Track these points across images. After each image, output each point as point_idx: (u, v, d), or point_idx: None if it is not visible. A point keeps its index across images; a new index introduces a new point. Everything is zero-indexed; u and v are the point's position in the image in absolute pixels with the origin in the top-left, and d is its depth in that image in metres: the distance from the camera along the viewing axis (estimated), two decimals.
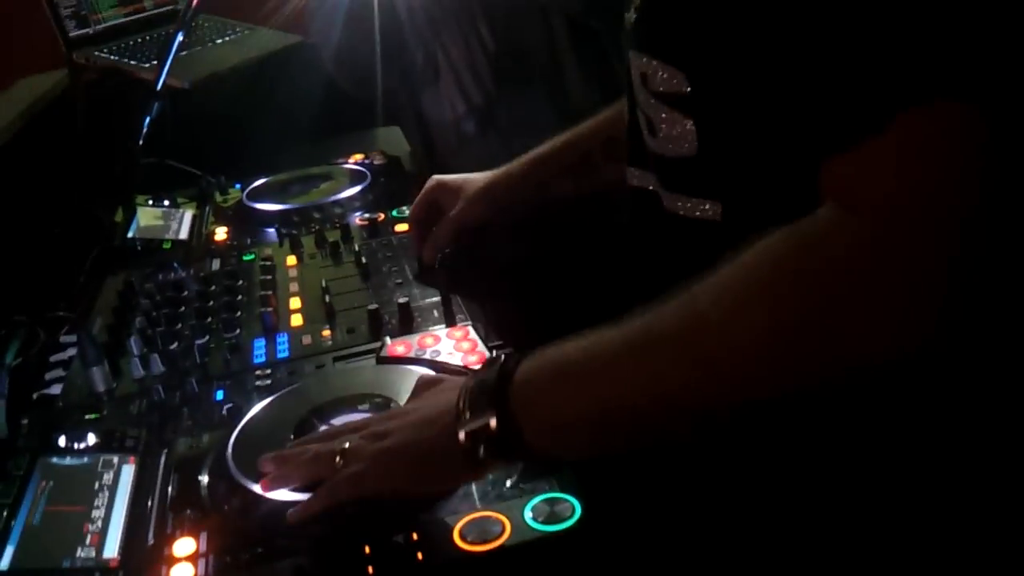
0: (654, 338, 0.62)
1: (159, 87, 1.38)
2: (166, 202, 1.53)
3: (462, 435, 0.70)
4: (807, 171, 0.58)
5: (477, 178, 1.17)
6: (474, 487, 0.78)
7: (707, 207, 0.71)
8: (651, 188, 0.77)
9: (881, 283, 0.54)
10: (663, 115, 0.70)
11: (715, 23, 0.64)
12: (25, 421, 1.00)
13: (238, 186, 1.58)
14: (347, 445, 0.75)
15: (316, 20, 1.57)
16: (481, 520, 0.74)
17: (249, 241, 1.38)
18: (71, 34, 1.73)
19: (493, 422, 0.68)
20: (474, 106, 1.58)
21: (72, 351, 1.14)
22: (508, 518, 0.74)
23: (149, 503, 0.84)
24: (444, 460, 0.72)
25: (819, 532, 0.71)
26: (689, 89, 0.67)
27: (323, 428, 0.87)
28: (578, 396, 0.66)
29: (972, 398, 0.67)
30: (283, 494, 0.78)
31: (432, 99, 1.63)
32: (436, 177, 1.20)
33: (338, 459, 0.75)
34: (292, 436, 0.86)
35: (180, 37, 1.33)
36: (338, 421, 0.88)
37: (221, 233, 1.41)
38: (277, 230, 1.37)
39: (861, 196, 0.55)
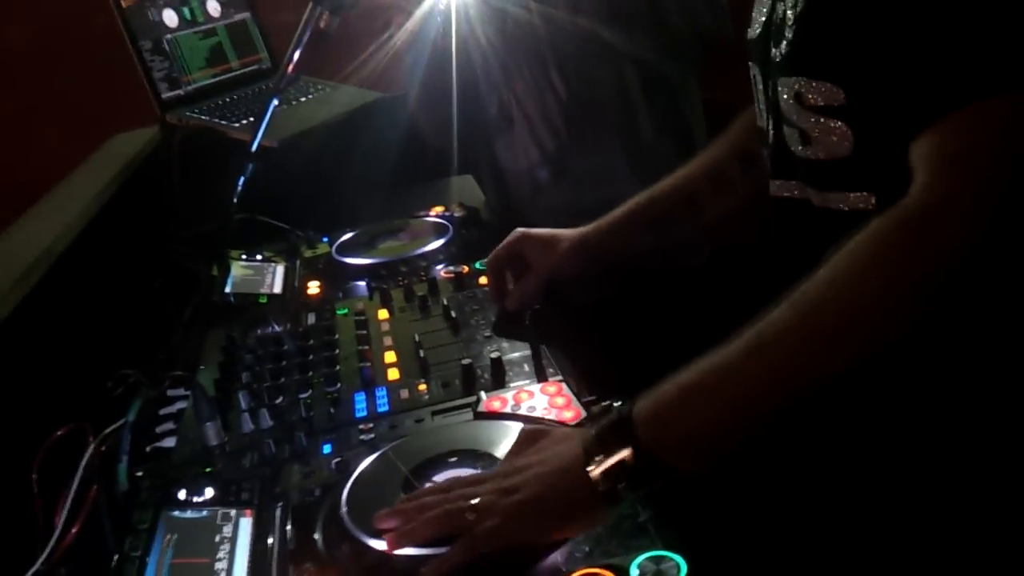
0: (774, 333, 0.69)
1: (254, 149, 1.45)
2: (258, 256, 1.60)
3: (597, 475, 0.75)
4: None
5: (567, 233, 1.22)
6: (576, 544, 0.81)
7: (861, 199, 0.79)
8: (797, 195, 0.87)
9: (971, 241, 0.62)
10: (818, 125, 0.80)
11: (868, 40, 0.74)
12: (140, 474, 1.05)
13: (325, 239, 1.64)
14: (476, 501, 0.80)
15: (406, 72, 1.64)
16: None
17: (340, 295, 1.44)
18: (164, 95, 1.82)
19: (628, 455, 0.74)
20: (547, 154, 1.62)
21: (180, 404, 1.20)
22: (615, 575, 0.77)
23: (268, 556, 0.88)
24: (579, 504, 0.77)
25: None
26: (846, 100, 0.77)
27: (429, 484, 0.91)
28: (707, 408, 0.72)
29: (982, 400, 0.73)
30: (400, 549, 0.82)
31: (506, 148, 1.67)
32: (521, 230, 1.25)
33: (468, 515, 0.79)
34: (401, 491, 0.90)
35: (275, 102, 1.40)
36: (444, 475, 0.92)
37: (314, 287, 1.47)
38: (367, 284, 1.42)
39: (947, 169, 0.64)
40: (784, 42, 0.83)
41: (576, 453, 0.78)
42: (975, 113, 0.63)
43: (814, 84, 0.79)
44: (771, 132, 0.90)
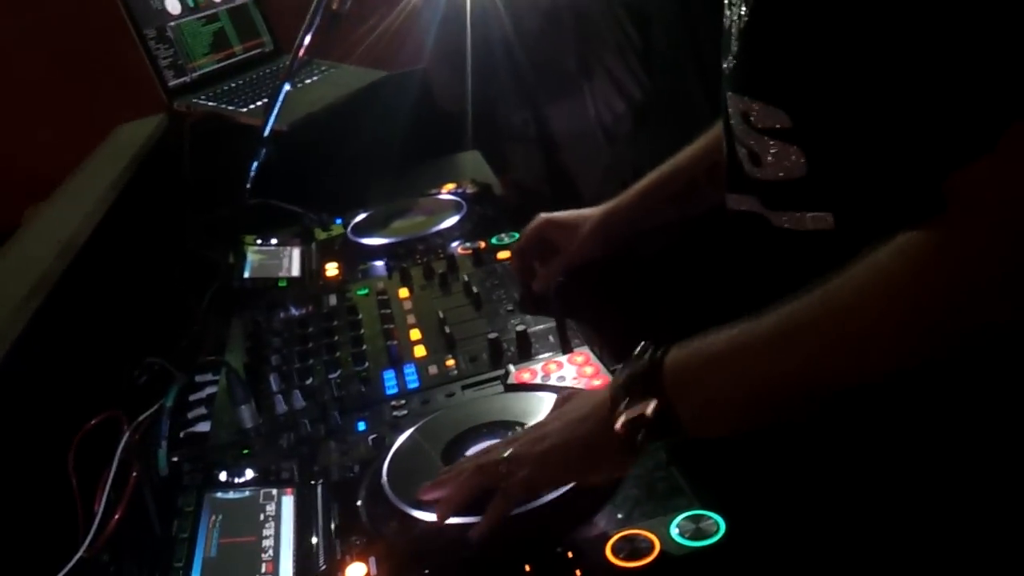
0: (800, 327, 0.69)
1: (267, 134, 1.45)
2: (273, 241, 1.61)
3: (620, 423, 0.76)
4: (914, 176, 0.66)
5: (590, 214, 1.22)
6: (614, 507, 0.83)
7: (819, 218, 0.77)
8: (755, 211, 0.84)
9: (1001, 273, 0.62)
10: (767, 146, 0.77)
11: (811, 66, 0.71)
12: (175, 459, 1.07)
13: (339, 221, 1.66)
14: (507, 453, 0.82)
15: (430, 46, 1.64)
16: (630, 537, 0.80)
17: (359, 275, 1.45)
18: (170, 83, 1.82)
19: (651, 408, 0.74)
20: (633, 104, 1.60)
21: (210, 390, 1.22)
22: (656, 535, 0.79)
23: (313, 531, 0.90)
24: (604, 450, 0.78)
25: (957, 538, 0.76)
26: (791, 124, 0.74)
27: (469, 453, 0.93)
28: (729, 382, 0.73)
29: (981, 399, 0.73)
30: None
31: (581, 106, 1.65)
32: (544, 215, 1.26)
33: (501, 467, 0.81)
34: (440, 463, 0.92)
35: (287, 87, 1.40)
36: (481, 447, 0.94)
37: (332, 269, 1.48)
38: (386, 264, 1.44)
39: (982, 197, 0.62)
40: (730, 55, 0.80)
41: (603, 399, 0.79)
42: (1001, 149, 0.61)
43: (757, 106, 0.77)
44: (724, 145, 0.88)
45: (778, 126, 0.75)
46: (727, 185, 0.88)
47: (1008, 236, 0.61)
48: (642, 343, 0.78)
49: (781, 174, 0.77)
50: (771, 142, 0.77)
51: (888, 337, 0.66)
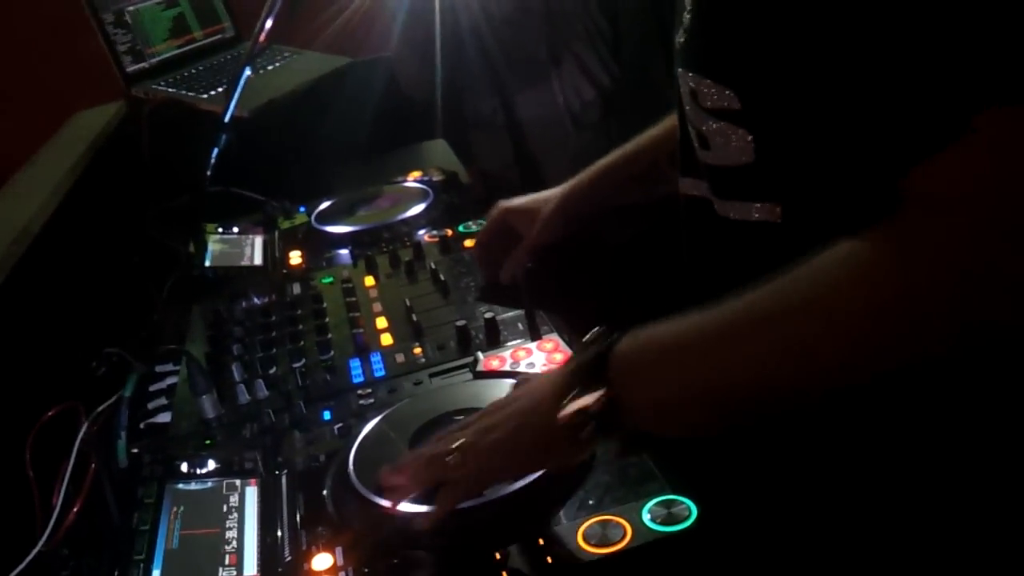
0: (754, 322, 0.65)
1: (227, 120, 1.42)
2: (235, 229, 1.58)
3: (566, 414, 0.72)
4: (871, 169, 0.62)
5: (548, 197, 1.20)
6: (586, 492, 0.82)
7: (765, 209, 0.74)
8: (704, 196, 0.81)
9: (968, 273, 0.58)
10: (715, 128, 0.75)
11: (764, 44, 0.68)
12: (135, 450, 1.05)
13: (302, 209, 1.63)
14: (458, 443, 0.79)
15: (396, 34, 1.61)
16: (602, 523, 0.79)
17: (324, 263, 1.43)
18: (128, 69, 1.78)
19: (597, 400, 0.71)
20: (603, 89, 1.58)
21: (170, 380, 1.20)
22: (627, 521, 0.78)
23: (278, 522, 0.89)
24: (552, 442, 0.75)
25: (939, 534, 0.75)
26: (740, 105, 0.72)
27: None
28: (678, 378, 0.69)
29: (977, 398, 0.71)
30: (411, 505, 0.82)
31: (548, 92, 1.64)
32: (503, 202, 1.24)
33: (449, 458, 0.78)
34: (407, 451, 0.90)
35: (248, 72, 1.37)
36: None
37: (296, 257, 1.46)
38: (351, 252, 1.42)
39: (945, 195, 0.58)
40: (682, 28, 0.76)
41: (554, 389, 0.75)
42: (965, 141, 0.57)
43: (706, 83, 0.73)
44: (679, 126, 0.84)
45: (727, 106, 0.72)
46: (680, 168, 0.86)
47: (971, 239, 0.57)
48: (595, 329, 0.74)
49: (728, 159, 0.74)
50: (720, 124, 0.74)
51: (845, 342, 0.62)
